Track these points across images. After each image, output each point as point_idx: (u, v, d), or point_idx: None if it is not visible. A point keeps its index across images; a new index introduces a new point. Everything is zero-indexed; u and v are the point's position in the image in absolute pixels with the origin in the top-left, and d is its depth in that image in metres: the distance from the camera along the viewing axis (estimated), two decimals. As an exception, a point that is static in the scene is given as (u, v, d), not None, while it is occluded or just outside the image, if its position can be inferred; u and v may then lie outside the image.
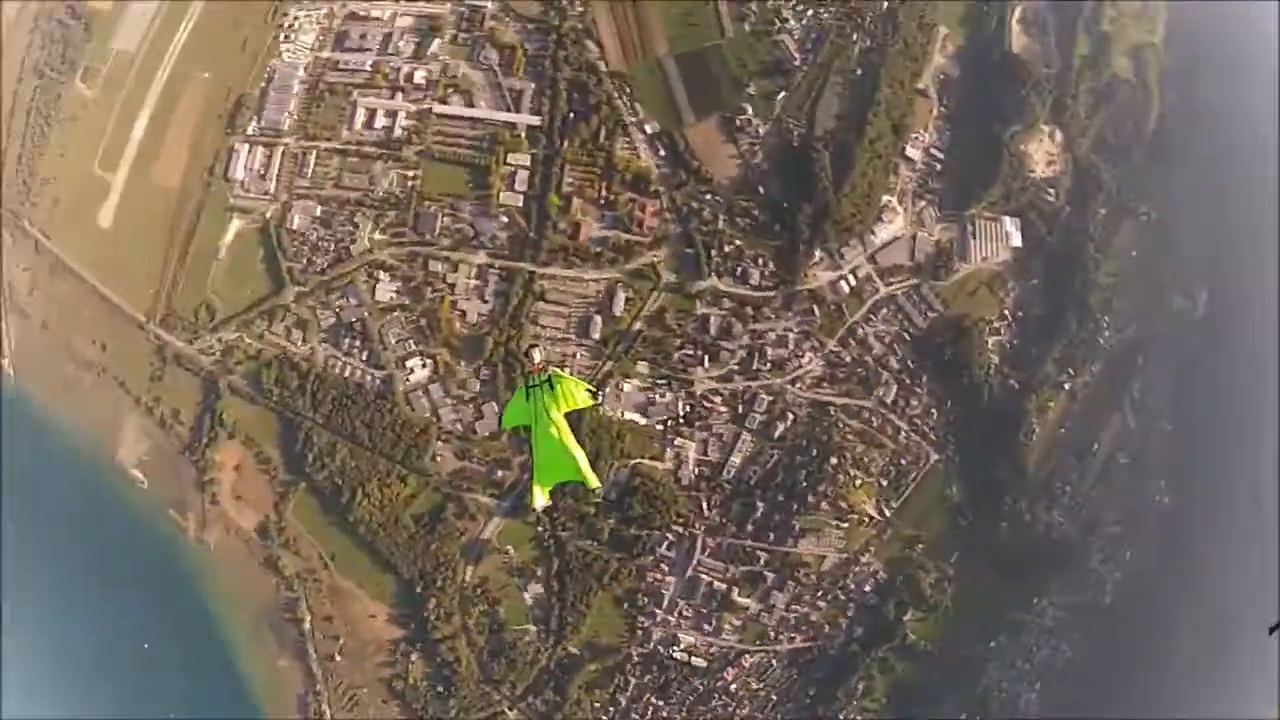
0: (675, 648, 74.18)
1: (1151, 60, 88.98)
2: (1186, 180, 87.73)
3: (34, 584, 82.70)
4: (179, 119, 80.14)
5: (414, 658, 74.95)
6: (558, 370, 19.44)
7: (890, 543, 75.83)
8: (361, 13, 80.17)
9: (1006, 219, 79.20)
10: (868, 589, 75.31)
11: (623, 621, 74.10)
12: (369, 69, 78.07)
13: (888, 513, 75.81)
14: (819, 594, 74.56)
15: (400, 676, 75.17)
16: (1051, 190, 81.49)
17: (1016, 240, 79.47)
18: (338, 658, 76.01)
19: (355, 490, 72.91)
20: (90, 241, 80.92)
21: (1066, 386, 79.98)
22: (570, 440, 18.96)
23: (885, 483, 75.63)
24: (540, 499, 20.40)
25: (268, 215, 76.13)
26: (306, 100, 78.01)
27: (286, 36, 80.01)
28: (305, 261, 74.81)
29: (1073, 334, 79.81)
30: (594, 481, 19.51)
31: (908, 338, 76.88)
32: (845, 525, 74.33)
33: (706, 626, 74.27)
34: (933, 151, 79.93)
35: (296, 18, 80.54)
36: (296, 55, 79.66)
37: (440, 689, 74.51)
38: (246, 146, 77.38)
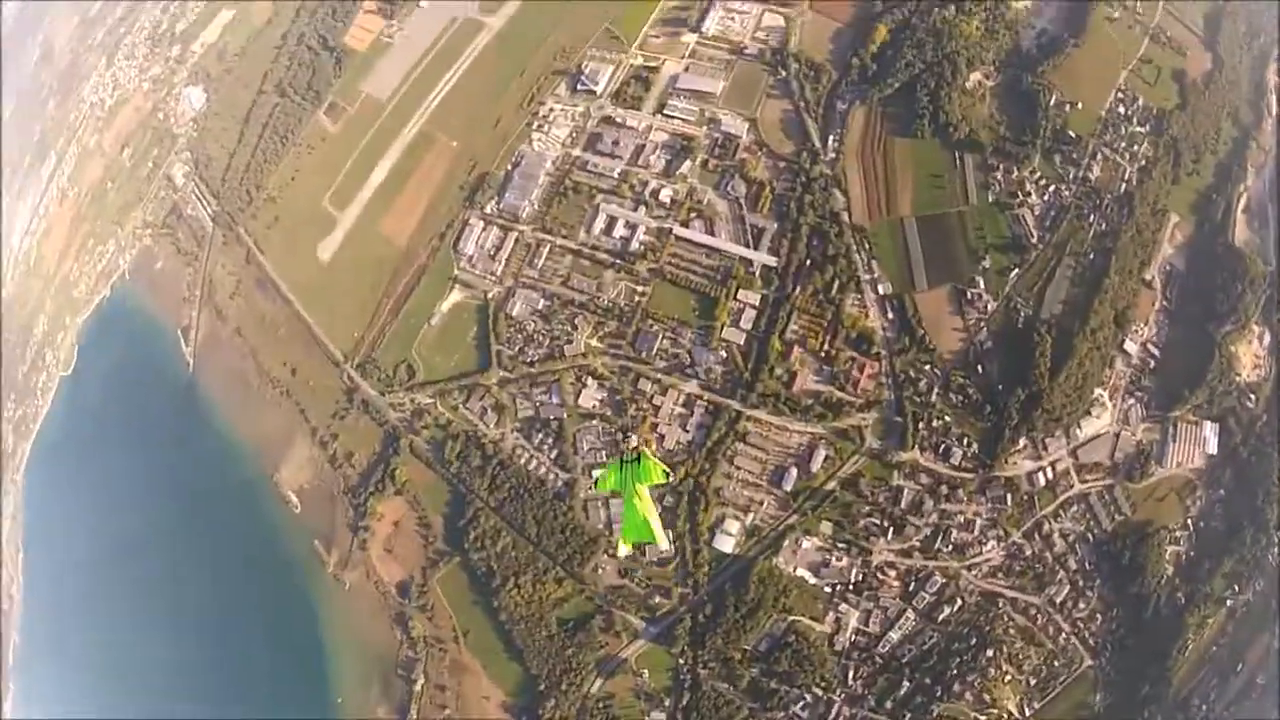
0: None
1: None
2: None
3: (149, 568, 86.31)
4: (418, 179, 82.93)
5: (513, 749, 75.47)
6: (646, 451, 24.00)
7: (1024, 740, 71.96)
8: (618, 119, 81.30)
9: (1207, 424, 77.76)
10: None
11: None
12: (617, 176, 79.39)
13: (1028, 712, 74.20)
14: (930, 778, 72.96)
15: (493, 761, 75.79)
16: (1253, 396, 79.49)
17: (1213, 447, 77.86)
18: (437, 726, 77.33)
19: (509, 578, 74.90)
20: (304, 269, 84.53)
21: (1229, 603, 77.63)
22: (649, 509, 23.42)
23: (1033, 682, 74.41)
24: (624, 549, 25.29)
25: (489, 295, 78.09)
26: (549, 193, 79.53)
27: (540, 126, 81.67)
28: (517, 350, 76.25)
29: (1246, 549, 77.59)
30: (664, 544, 24.30)
31: (1090, 539, 75.28)
32: (983, 718, 72.80)
33: (806, 787, 73.51)
34: (1149, 346, 78.87)
35: (553, 109, 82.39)
36: (547, 146, 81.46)
37: (526, 785, 75.35)
38: (481, 224, 79.62)
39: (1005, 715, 73.20)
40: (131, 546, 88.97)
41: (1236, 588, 76.82)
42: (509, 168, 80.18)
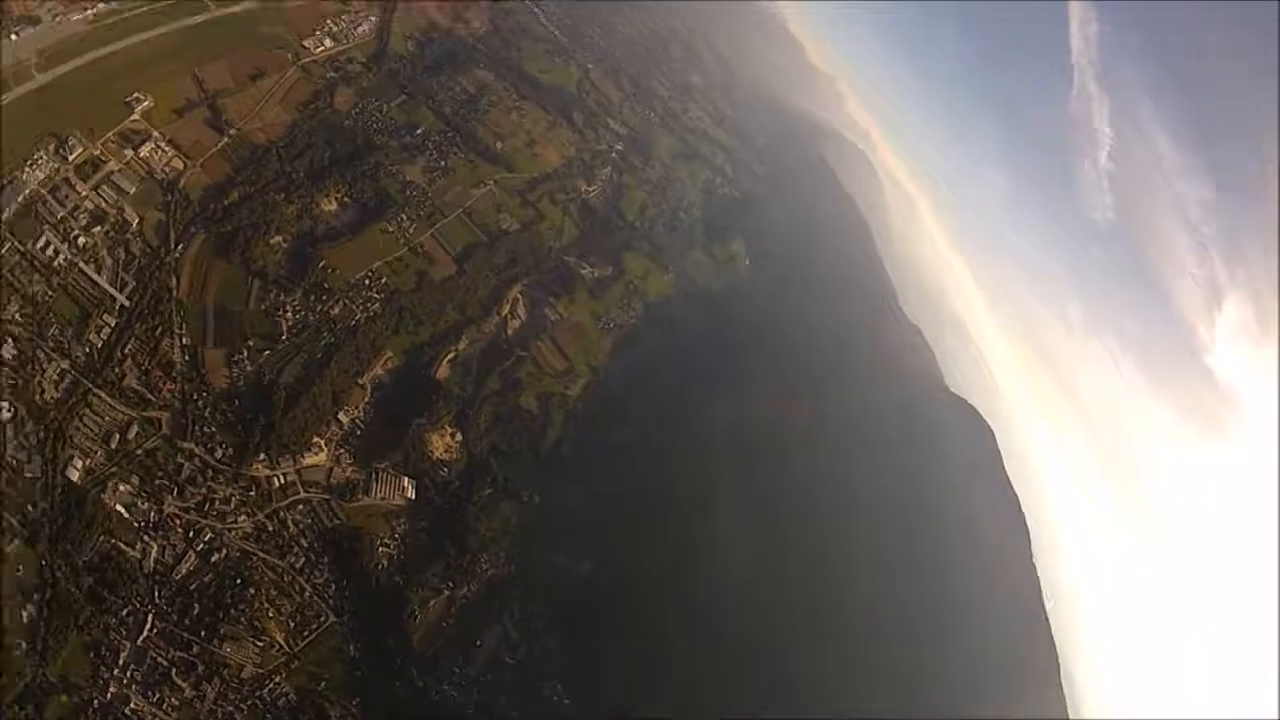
0: (126, 706, 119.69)
1: (559, 404, 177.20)
2: (578, 489, 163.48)
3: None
4: None
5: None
6: None
7: (298, 673, 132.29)
8: (72, 181, 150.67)
9: (406, 479, 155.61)
10: (281, 704, 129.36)
11: (89, 666, 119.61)
12: (59, 217, 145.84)
13: (294, 648, 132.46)
14: (241, 698, 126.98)
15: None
16: (446, 470, 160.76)
17: (411, 494, 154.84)
18: None
19: None
20: None
21: (445, 593, 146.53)
22: None
23: (293, 624, 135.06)
24: None
25: None
26: (22, 209, 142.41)
27: (30, 165, 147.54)
28: None
29: (451, 560, 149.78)
30: None
31: (317, 530, 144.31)
32: (260, 644, 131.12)
33: (151, 695, 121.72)
34: (357, 421, 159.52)
35: (41, 157, 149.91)
36: (29, 178, 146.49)
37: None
38: None
39: (277, 645, 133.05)
40: None
41: (451, 584, 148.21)
42: (6, 182, 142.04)
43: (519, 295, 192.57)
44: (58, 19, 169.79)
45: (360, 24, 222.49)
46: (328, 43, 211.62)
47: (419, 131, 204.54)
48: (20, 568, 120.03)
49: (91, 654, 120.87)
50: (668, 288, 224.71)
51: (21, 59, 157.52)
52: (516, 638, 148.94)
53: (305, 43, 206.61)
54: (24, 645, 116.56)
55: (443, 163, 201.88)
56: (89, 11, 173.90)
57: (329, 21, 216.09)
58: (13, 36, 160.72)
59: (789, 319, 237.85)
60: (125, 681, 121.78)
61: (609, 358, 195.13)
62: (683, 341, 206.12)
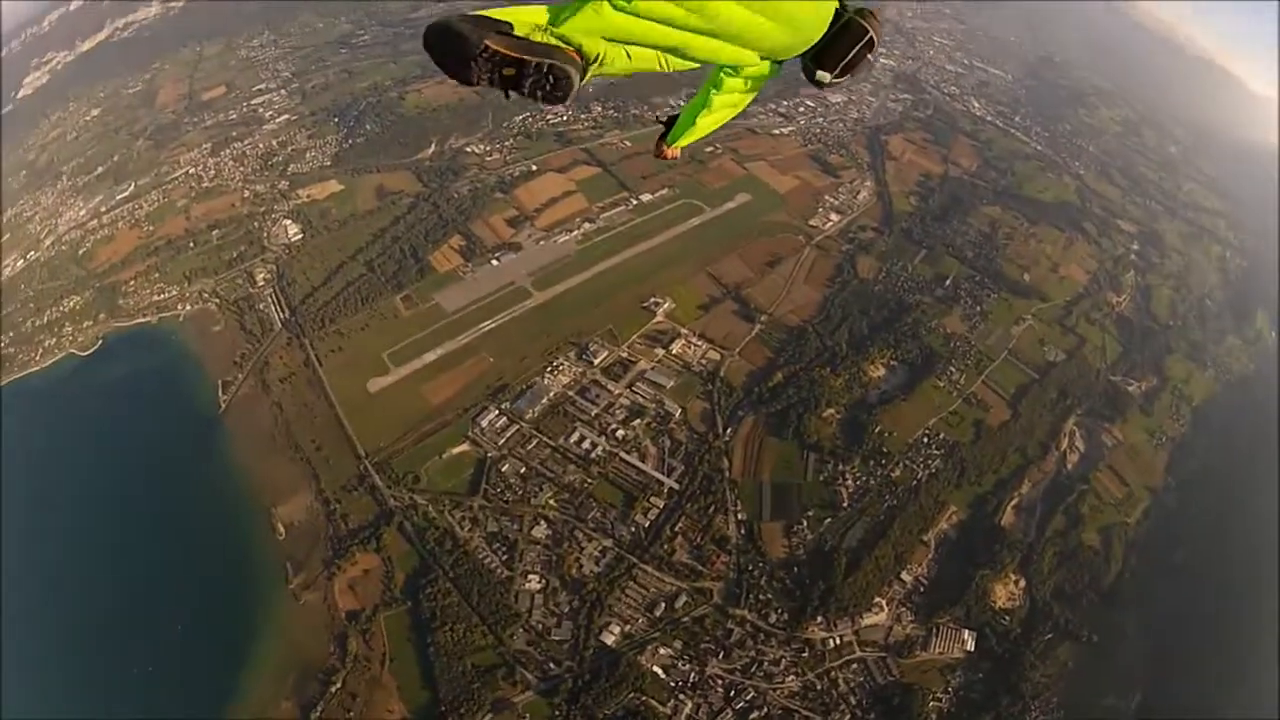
0: None
1: (1120, 534, 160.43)
2: (1133, 618, 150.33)
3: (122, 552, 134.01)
4: (459, 370, 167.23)
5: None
6: None
7: None
8: (602, 383, 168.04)
9: (966, 631, 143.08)
10: None
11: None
12: (592, 415, 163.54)
13: None
14: None
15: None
16: (1008, 618, 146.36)
17: (970, 646, 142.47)
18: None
19: (446, 624, 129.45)
20: (352, 390, 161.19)
21: None
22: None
23: None
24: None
25: (489, 455, 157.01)
26: (547, 409, 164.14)
27: (551, 370, 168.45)
28: (499, 490, 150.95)
29: (1001, 710, 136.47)
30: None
31: (867, 687, 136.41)
32: None
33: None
34: (920, 578, 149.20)
35: (561, 363, 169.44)
36: (552, 384, 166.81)
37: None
38: (496, 411, 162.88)
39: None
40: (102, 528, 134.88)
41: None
42: (524, 387, 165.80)
43: (1074, 427, 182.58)
44: (541, 243, 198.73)
45: (859, 192, 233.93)
46: (834, 217, 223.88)
47: (948, 282, 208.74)
48: (526, 716, 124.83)
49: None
50: (1210, 385, 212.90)
51: (514, 281, 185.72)
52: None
53: (811, 222, 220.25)
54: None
55: (978, 307, 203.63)
56: (575, 233, 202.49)
57: (827, 197, 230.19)
58: (494, 262, 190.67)
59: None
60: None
61: (1164, 475, 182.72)
62: (1226, 439, 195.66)
